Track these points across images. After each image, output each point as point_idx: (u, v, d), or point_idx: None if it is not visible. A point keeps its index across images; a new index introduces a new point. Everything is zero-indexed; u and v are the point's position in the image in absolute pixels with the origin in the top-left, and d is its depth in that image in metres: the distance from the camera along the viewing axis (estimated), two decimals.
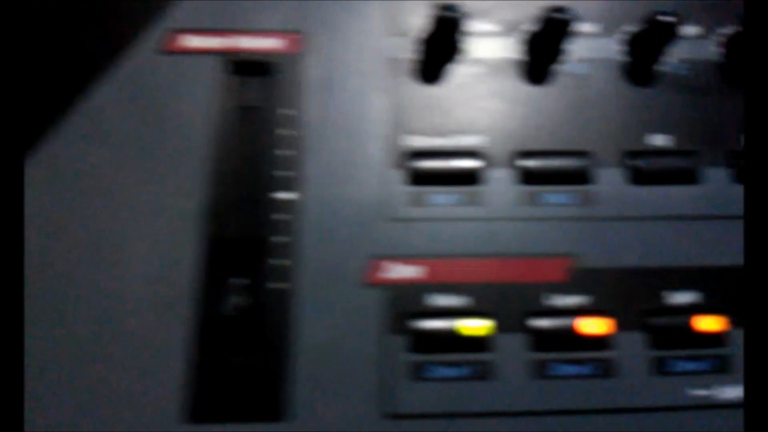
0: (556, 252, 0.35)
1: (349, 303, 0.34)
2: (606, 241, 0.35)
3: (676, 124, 0.38)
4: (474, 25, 0.39)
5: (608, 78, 0.39)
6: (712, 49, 0.39)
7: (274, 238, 0.34)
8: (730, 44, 0.39)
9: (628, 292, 0.34)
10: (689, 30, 0.40)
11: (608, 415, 0.32)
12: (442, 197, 0.36)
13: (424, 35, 0.38)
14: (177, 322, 0.33)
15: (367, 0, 0.40)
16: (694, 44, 0.40)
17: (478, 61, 0.39)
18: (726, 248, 0.35)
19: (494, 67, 0.39)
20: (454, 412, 0.32)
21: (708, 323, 0.34)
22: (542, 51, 0.38)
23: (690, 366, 0.33)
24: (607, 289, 0.34)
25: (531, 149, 0.37)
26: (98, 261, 0.34)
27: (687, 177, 0.37)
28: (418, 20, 0.39)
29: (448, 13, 0.37)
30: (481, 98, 0.38)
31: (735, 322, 0.34)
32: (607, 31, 0.40)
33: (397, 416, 0.32)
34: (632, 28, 0.39)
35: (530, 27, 0.39)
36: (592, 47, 0.39)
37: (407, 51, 0.39)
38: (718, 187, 0.37)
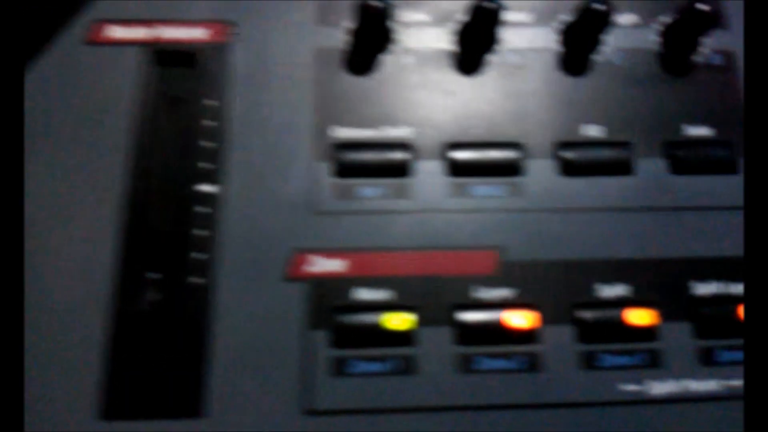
0: (484, 244, 0.34)
1: (271, 297, 0.33)
2: (536, 233, 0.35)
3: (611, 114, 0.37)
4: (405, 15, 0.39)
5: (542, 68, 0.38)
6: (651, 38, 0.39)
7: (196, 232, 0.34)
8: (669, 33, 0.39)
9: (558, 285, 0.34)
10: (627, 19, 0.39)
11: (535, 410, 0.32)
12: (369, 190, 0.35)
13: (354, 25, 0.37)
14: (94, 317, 0.32)
15: None
16: (633, 33, 0.39)
17: (409, 52, 0.38)
18: (659, 240, 0.35)
19: (425, 57, 0.38)
20: (376, 408, 0.31)
21: (639, 317, 0.33)
22: (474, 41, 0.38)
23: (620, 360, 0.33)
24: (536, 282, 0.34)
25: (461, 141, 0.36)
26: None
27: (620, 168, 0.36)
28: (348, 10, 0.38)
29: (377, 3, 0.36)
30: (412, 89, 0.37)
31: (666, 315, 0.33)
32: (542, 20, 0.39)
33: (317, 412, 0.31)
34: (567, 17, 0.39)
35: (462, 17, 0.38)
36: (526, 37, 0.39)
37: (336, 41, 0.38)
38: (653, 178, 0.36)
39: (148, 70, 0.36)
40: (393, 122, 0.36)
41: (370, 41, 0.38)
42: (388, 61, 0.38)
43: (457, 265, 0.34)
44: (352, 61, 0.38)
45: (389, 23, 0.37)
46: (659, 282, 0.34)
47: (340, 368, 0.32)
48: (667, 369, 0.33)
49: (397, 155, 0.36)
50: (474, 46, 0.38)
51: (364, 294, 0.33)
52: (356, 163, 0.35)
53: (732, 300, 0.34)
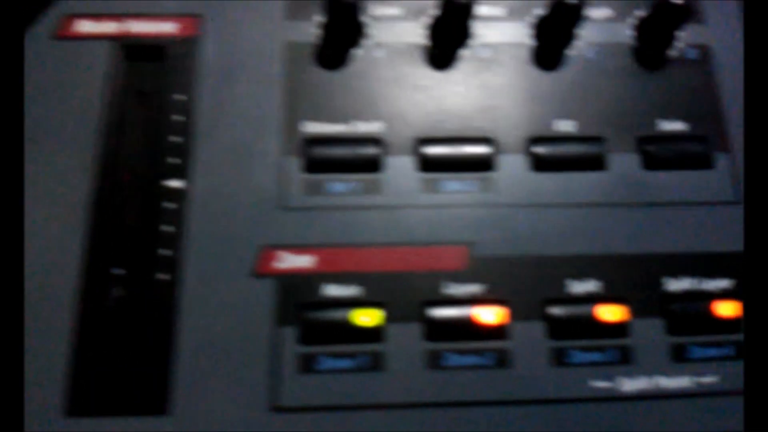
0: (454, 240, 0.34)
1: (239, 294, 0.33)
2: (507, 229, 0.34)
3: (584, 109, 0.37)
4: (376, 9, 0.38)
5: (515, 63, 0.38)
6: (625, 32, 0.38)
7: (163, 228, 0.33)
8: (644, 27, 0.38)
9: (528, 281, 0.34)
10: (601, 13, 0.39)
11: (505, 407, 0.32)
12: (339, 185, 0.35)
13: (325, 19, 0.37)
14: (60, 313, 0.32)
15: None
16: (607, 27, 0.39)
17: (381, 46, 0.38)
18: (631, 236, 0.35)
19: (397, 51, 0.38)
20: (344, 405, 0.31)
21: (610, 313, 0.33)
22: (446, 35, 0.37)
23: (591, 357, 0.33)
24: (507, 278, 0.34)
25: (433, 136, 0.36)
26: None
27: (593, 163, 0.36)
28: (319, 4, 0.38)
29: None
30: (383, 84, 0.37)
31: (638, 311, 0.33)
32: (515, 14, 0.39)
33: (285, 409, 0.31)
34: (540, 11, 0.38)
35: (434, 11, 0.38)
36: (499, 31, 0.38)
37: (307, 35, 0.38)
38: (626, 174, 0.36)
39: (117, 65, 0.36)
40: (364, 117, 0.36)
41: (341, 35, 0.37)
42: (359, 55, 0.37)
43: (428, 260, 0.34)
44: (322, 56, 0.37)
45: (360, 17, 0.37)
46: (631, 278, 0.34)
47: (308, 365, 0.32)
48: (638, 365, 0.32)
49: (368, 150, 0.35)
50: (446, 40, 0.38)
51: (333, 290, 0.33)
52: (326, 159, 0.35)
53: (704, 296, 0.34)
